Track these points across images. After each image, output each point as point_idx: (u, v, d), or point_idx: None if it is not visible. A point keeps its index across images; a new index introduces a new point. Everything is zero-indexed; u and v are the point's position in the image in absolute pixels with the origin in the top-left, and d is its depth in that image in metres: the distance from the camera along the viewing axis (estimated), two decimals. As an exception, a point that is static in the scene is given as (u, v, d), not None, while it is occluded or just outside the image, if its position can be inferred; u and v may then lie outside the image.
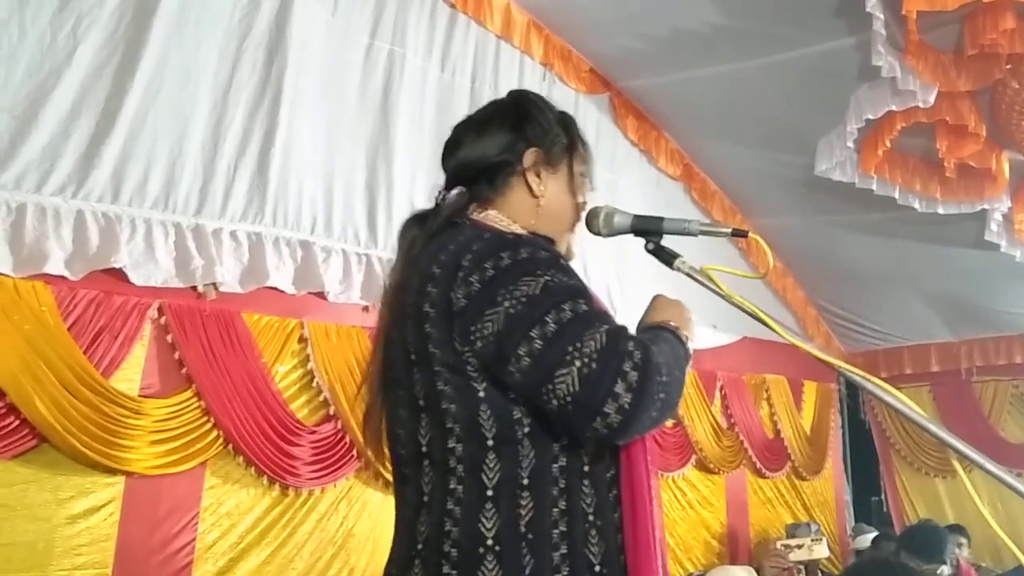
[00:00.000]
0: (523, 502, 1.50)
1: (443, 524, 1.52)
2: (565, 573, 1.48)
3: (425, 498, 1.57)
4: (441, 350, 1.56)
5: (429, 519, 1.55)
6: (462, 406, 1.54)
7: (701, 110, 5.97)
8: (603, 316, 1.52)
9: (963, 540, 6.00)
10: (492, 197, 1.79)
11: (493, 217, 1.75)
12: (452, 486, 1.53)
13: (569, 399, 1.44)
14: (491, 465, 1.51)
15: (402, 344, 1.63)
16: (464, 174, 1.83)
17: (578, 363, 1.43)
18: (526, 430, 1.53)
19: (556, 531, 1.49)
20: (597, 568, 1.50)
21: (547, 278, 1.51)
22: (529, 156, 1.79)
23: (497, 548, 1.48)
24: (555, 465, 1.53)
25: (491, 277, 1.52)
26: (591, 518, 1.53)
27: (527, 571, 1.47)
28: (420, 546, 1.54)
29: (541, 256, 1.56)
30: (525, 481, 1.51)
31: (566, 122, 1.88)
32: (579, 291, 1.53)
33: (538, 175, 1.79)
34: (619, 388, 1.42)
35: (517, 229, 1.73)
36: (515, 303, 1.49)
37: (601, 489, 1.55)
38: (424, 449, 1.59)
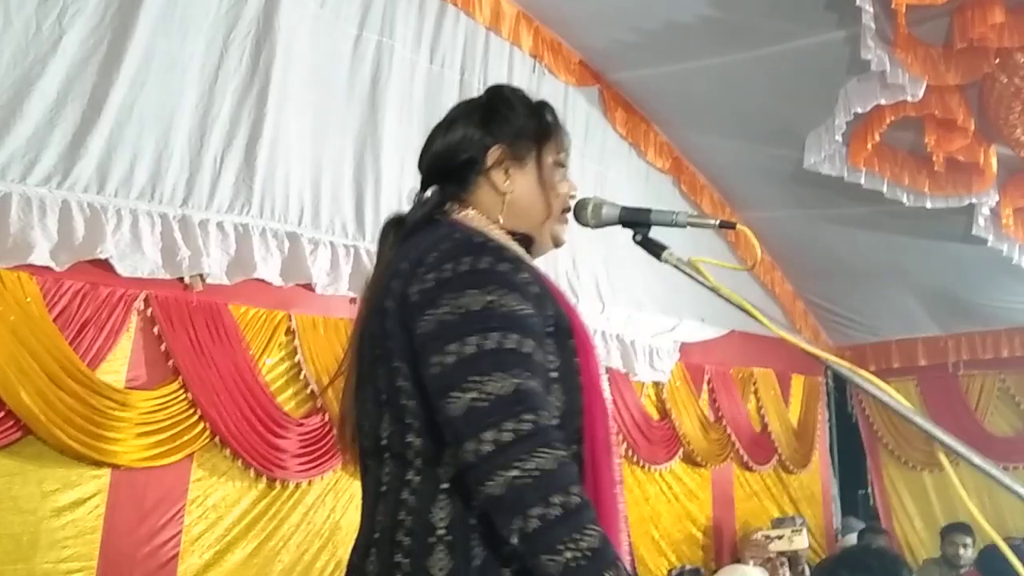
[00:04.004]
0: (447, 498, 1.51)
1: (397, 513, 1.53)
2: (516, 567, 1.45)
3: (383, 488, 1.59)
4: (398, 346, 1.58)
5: (385, 508, 1.57)
6: (420, 402, 1.54)
7: (690, 103, 5.97)
8: (524, 362, 1.47)
9: (967, 540, 6.02)
10: (464, 196, 1.80)
11: (472, 216, 1.77)
12: (409, 477, 1.55)
13: (449, 422, 1.45)
14: (447, 460, 1.51)
15: (370, 339, 1.66)
16: (434, 174, 1.86)
17: (473, 394, 1.43)
18: None
19: None
20: None
21: (492, 297, 1.51)
22: (492, 154, 1.79)
23: (448, 539, 1.48)
24: None
25: (445, 280, 1.54)
26: None
27: (476, 562, 1.47)
28: (376, 535, 1.56)
29: (499, 269, 1.56)
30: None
31: (538, 111, 1.88)
32: (519, 323, 1.51)
33: (506, 171, 1.79)
34: (488, 435, 1.40)
35: (494, 229, 1.74)
36: (450, 312, 1.51)
37: None
38: (384, 442, 1.60)
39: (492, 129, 1.82)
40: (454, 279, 1.54)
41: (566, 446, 1.44)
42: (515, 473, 1.37)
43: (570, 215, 1.88)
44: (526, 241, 1.80)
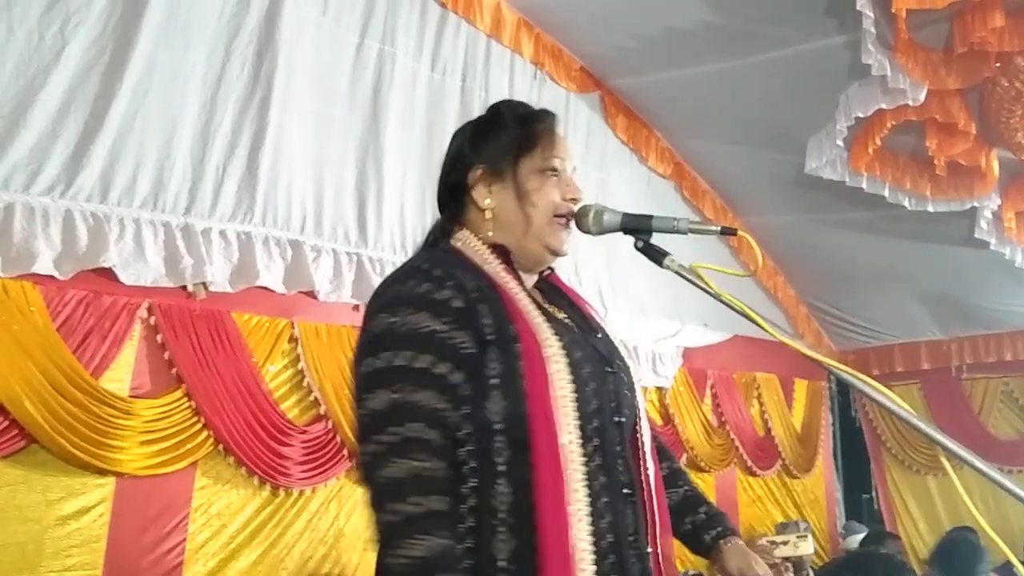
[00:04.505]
0: None
1: None
2: (467, 564, 1.54)
3: None
4: None
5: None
6: None
7: (691, 109, 5.98)
8: (412, 376, 1.59)
9: None
10: (461, 218, 1.88)
11: (463, 237, 1.85)
12: None
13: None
14: None
15: None
16: (441, 199, 1.95)
17: (361, 411, 1.61)
18: None
19: (463, 526, 1.57)
20: (502, 563, 1.56)
21: (395, 319, 1.63)
22: (473, 174, 1.86)
23: None
24: (465, 467, 1.61)
25: (373, 307, 1.71)
26: (502, 516, 1.58)
27: None
28: None
29: (417, 291, 1.66)
30: None
31: (525, 121, 1.90)
32: (417, 340, 1.61)
33: (489, 188, 1.85)
34: (364, 448, 1.60)
35: (478, 246, 1.81)
36: (364, 335, 1.68)
37: (520, 490, 1.59)
38: None
39: (476, 149, 1.88)
40: (377, 305, 1.70)
41: (433, 457, 1.55)
42: (374, 484, 1.56)
43: (574, 214, 1.88)
44: (504, 252, 1.82)
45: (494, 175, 1.85)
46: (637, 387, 1.88)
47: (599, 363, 1.77)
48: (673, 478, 2.01)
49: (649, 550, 1.72)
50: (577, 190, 1.88)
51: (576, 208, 1.87)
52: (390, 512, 1.51)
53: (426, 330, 1.61)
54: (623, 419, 1.76)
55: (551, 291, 1.94)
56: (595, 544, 1.60)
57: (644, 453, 1.81)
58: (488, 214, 1.84)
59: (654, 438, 1.97)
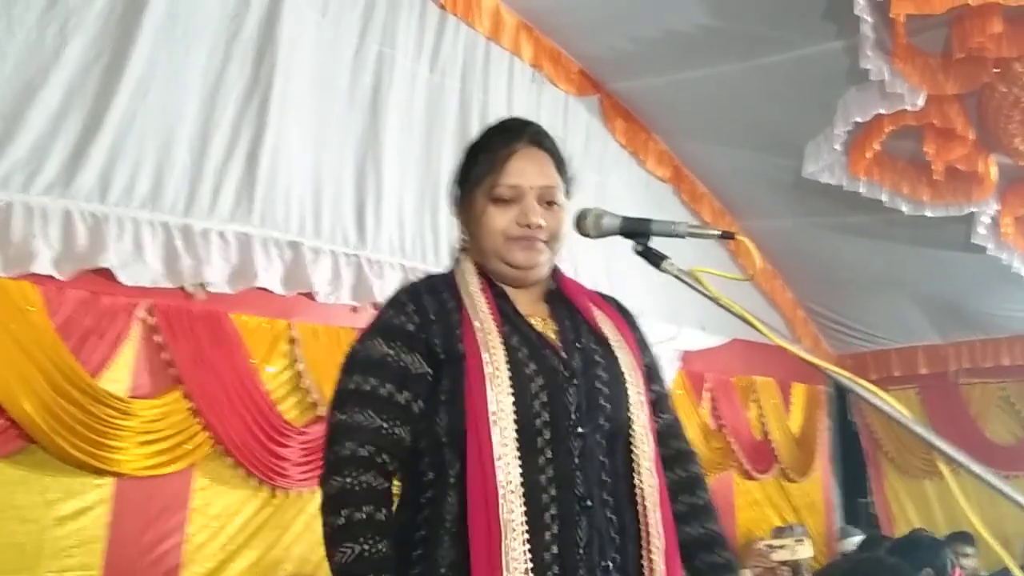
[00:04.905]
0: (395, 509, 1.77)
1: None
2: (417, 571, 1.68)
3: None
4: None
5: None
6: None
7: (690, 112, 5.98)
8: (356, 398, 1.76)
9: (969, 550, 5.97)
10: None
11: (462, 259, 1.95)
12: None
13: None
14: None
15: None
16: None
17: (327, 424, 1.81)
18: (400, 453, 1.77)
19: (418, 534, 1.71)
20: (443, 571, 1.66)
21: (358, 347, 1.83)
22: (456, 203, 1.99)
23: None
24: (424, 479, 1.75)
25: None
26: (448, 526, 1.69)
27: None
28: None
29: (383, 316, 1.85)
30: (397, 492, 1.79)
31: (490, 147, 1.92)
32: (367, 365, 1.78)
33: (467, 216, 1.94)
34: (325, 454, 1.78)
35: (467, 267, 1.91)
36: (345, 358, 1.84)
37: (463, 502, 1.68)
38: None
39: (456, 176, 1.98)
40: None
41: (362, 471, 1.70)
42: (319, 495, 1.74)
43: (537, 236, 1.87)
44: (483, 270, 1.90)
45: (461, 201, 1.95)
46: (634, 397, 1.85)
47: (557, 375, 1.77)
48: (682, 518, 1.92)
49: (604, 563, 1.70)
50: (532, 215, 1.85)
51: (537, 232, 1.85)
52: (325, 524, 1.69)
53: (376, 355, 1.78)
54: (586, 430, 1.75)
55: (558, 301, 1.95)
56: (533, 556, 1.63)
57: (638, 466, 1.80)
58: (462, 238, 1.97)
59: (685, 467, 1.99)
